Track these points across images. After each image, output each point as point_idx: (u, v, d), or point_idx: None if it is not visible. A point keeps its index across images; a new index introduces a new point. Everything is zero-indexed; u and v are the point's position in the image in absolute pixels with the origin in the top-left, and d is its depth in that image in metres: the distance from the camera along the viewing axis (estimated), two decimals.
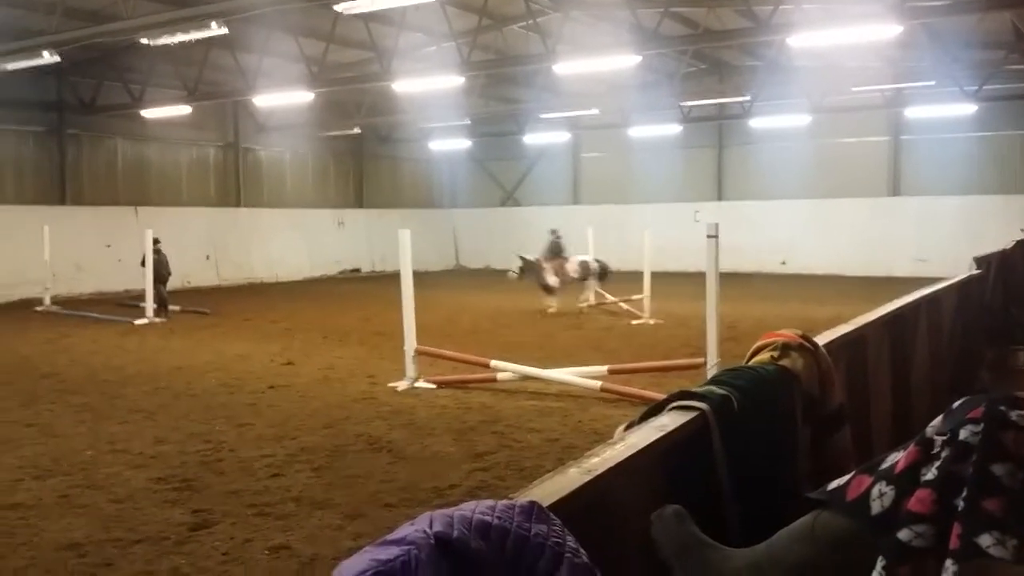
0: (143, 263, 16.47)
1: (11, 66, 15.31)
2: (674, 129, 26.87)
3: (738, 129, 27.52)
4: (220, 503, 5.68)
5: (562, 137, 29.25)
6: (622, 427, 2.25)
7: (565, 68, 16.90)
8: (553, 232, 17.86)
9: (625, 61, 16.29)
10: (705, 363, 7.79)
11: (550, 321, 15.61)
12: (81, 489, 6.02)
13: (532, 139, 29.48)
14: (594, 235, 18.34)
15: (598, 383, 8.70)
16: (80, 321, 16.47)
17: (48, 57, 14.69)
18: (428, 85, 18.50)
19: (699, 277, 8.11)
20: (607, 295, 17.13)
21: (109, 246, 21.68)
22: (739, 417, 2.27)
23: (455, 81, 18.16)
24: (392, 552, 1.20)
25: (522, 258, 17.28)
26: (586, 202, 30.97)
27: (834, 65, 20.69)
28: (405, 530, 1.25)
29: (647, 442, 1.95)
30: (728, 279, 13.06)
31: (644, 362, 10.03)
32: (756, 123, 25.56)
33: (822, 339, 3.03)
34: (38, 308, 18.36)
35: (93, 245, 21.61)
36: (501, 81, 24.21)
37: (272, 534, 5.10)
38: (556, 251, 17.35)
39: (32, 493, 5.94)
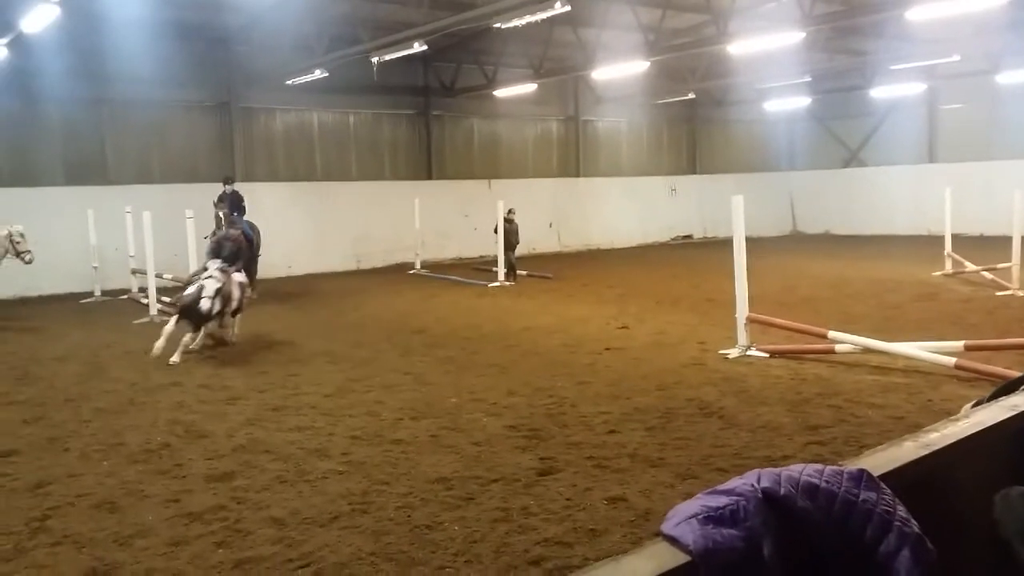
0: (496, 231, 18.03)
1: (389, 56, 17.37)
2: None
3: None
4: (563, 453, 6.18)
5: (916, 89, 26.30)
6: (969, 404, 2.17)
7: (920, 13, 15.24)
8: None
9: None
10: None
11: (898, 292, 14.43)
12: (448, 431, 6.88)
13: (880, 93, 26.80)
14: (952, 197, 16.55)
15: (952, 359, 7.94)
16: (443, 283, 18.48)
17: (418, 47, 16.44)
18: (767, 44, 17.77)
19: None
20: (967, 263, 15.41)
21: (467, 216, 23.88)
22: None
23: (795, 37, 17.26)
24: (722, 501, 1.31)
25: None
26: (944, 160, 27.84)
27: None
28: (735, 482, 1.36)
29: (994, 421, 1.88)
30: None
31: (1009, 338, 8.97)
32: None
33: None
34: (410, 271, 20.94)
35: (453, 215, 23.95)
36: (846, 33, 22.47)
37: (610, 486, 5.45)
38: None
39: (410, 431, 6.90)
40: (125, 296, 16.46)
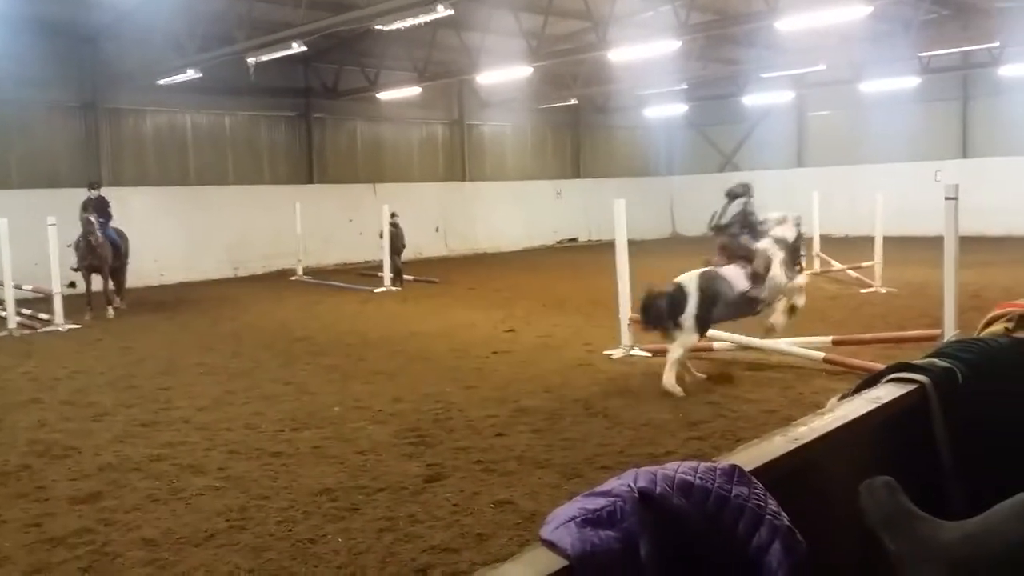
0: (381, 236, 17.80)
1: (265, 57, 16.91)
2: (911, 82, 24.61)
3: (986, 79, 24.77)
4: (450, 458, 6.13)
5: (785, 97, 27.75)
6: (835, 398, 2.24)
7: (788, 24, 16.03)
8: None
9: (855, 12, 15.19)
10: (942, 335, 7.27)
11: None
12: (331, 441, 6.71)
13: (753, 100, 28.19)
14: (820, 199, 17.43)
15: (820, 354, 8.36)
16: (327, 289, 18.11)
17: (296, 47, 16.07)
18: (645, 52, 18.28)
19: (940, 242, 7.55)
20: (834, 262, 16.25)
21: (351, 220, 23.51)
22: (964, 391, 2.18)
23: (672, 45, 17.82)
24: (599, 502, 1.31)
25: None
26: (812, 164, 29.37)
27: None
28: (612, 483, 1.35)
29: (858, 414, 1.94)
30: (974, 243, 12.05)
31: (873, 333, 9.50)
32: (1007, 71, 22.81)
33: None
34: (292, 277, 20.41)
35: (337, 220, 23.53)
36: (720, 42, 23.40)
37: (497, 489, 5.44)
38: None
39: (291, 443, 6.69)
40: None
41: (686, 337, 7.86)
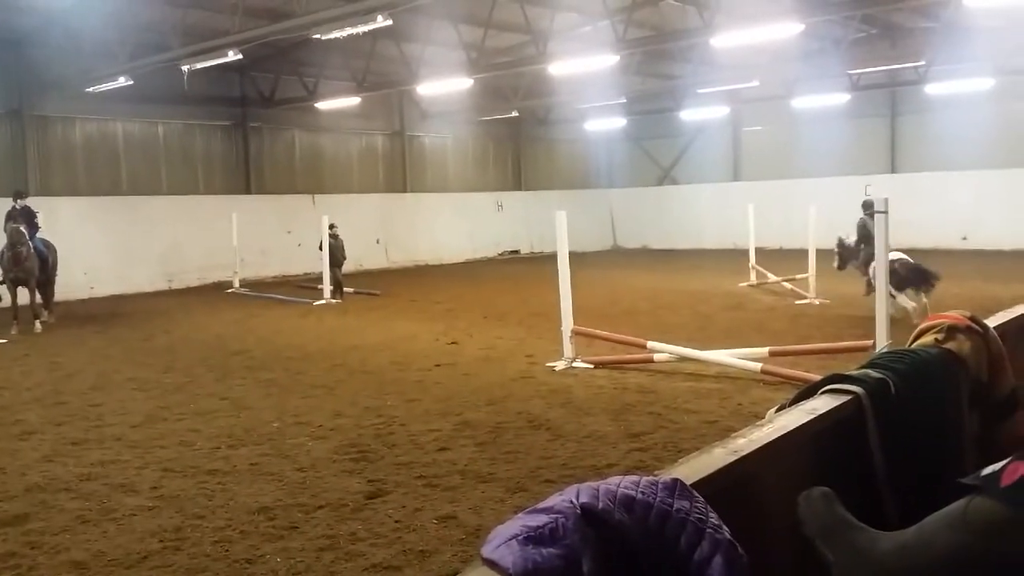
0: (321, 247, 17.58)
1: (200, 65, 16.60)
2: (842, 98, 25.45)
3: (913, 96, 25.73)
4: (392, 474, 6.05)
5: (721, 112, 28.36)
6: (773, 409, 2.27)
7: (723, 40, 16.40)
8: (867, 207, 12.55)
9: (788, 30, 15.62)
10: (874, 345, 7.48)
11: (709, 303, 15.33)
12: (269, 458, 6.57)
13: (689, 115, 28.78)
14: (755, 212, 17.81)
15: (758, 365, 8.50)
16: (265, 302, 17.80)
17: (232, 56, 15.82)
18: (583, 65, 18.49)
19: None
20: (769, 274, 16.59)
21: (290, 232, 23.20)
22: (897, 401, 2.24)
23: (610, 60, 18.06)
24: (541, 519, 1.31)
25: (840, 242, 13.57)
26: (747, 178, 30.04)
27: (1019, 23, 18.93)
28: (554, 500, 1.35)
29: (796, 425, 1.98)
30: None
31: (808, 344, 9.72)
32: (932, 89, 23.73)
33: (994, 321, 2.89)
34: (228, 290, 20.01)
35: (275, 231, 23.18)
36: (657, 57, 23.82)
37: (440, 504, 5.39)
38: (868, 236, 11.90)
39: (227, 460, 6.53)
40: None
41: None
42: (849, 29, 21.07)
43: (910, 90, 25.24)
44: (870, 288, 11.43)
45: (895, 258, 10.93)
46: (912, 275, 11.77)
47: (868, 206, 12.37)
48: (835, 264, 13.64)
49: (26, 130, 19.41)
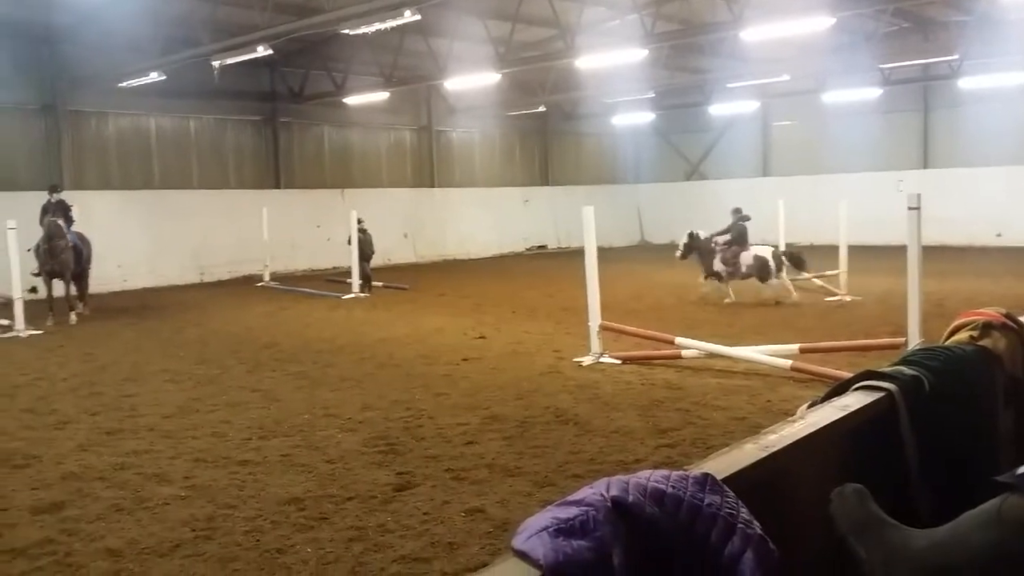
0: (349, 242, 17.69)
1: (231, 60, 16.75)
2: (873, 93, 25.11)
3: (945, 90, 25.33)
4: (421, 467, 6.09)
5: (750, 106, 28.13)
6: (805, 405, 2.26)
7: (753, 34, 16.26)
8: (737, 212, 15.11)
9: (818, 23, 15.43)
10: (906, 343, 7.39)
11: (737, 298, 15.20)
12: (300, 449, 6.64)
13: (718, 110, 28.53)
14: (785, 208, 17.63)
15: (788, 362, 8.42)
16: (295, 296, 17.94)
17: (261, 51, 15.94)
18: (612, 60, 18.41)
19: (902, 251, 7.67)
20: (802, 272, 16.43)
21: (319, 226, 23.35)
22: (930, 399, 2.22)
23: (639, 54, 17.96)
24: (572, 512, 1.31)
25: (691, 235, 15.25)
26: (776, 174, 29.74)
27: None
28: (584, 492, 1.35)
29: (827, 421, 1.96)
30: (936, 253, 12.25)
31: (839, 341, 9.63)
32: (966, 83, 23.30)
33: None
34: (259, 284, 20.20)
35: (305, 226, 23.35)
36: (686, 51, 23.65)
37: (468, 498, 5.41)
38: (741, 237, 14.70)
39: (258, 452, 6.60)
40: None
41: None
42: (881, 23, 20.82)
43: (943, 84, 24.85)
44: (710, 274, 14.81)
45: (766, 252, 14.29)
46: (779, 262, 14.33)
47: (738, 211, 15.13)
48: (677, 254, 15.64)
49: (60, 125, 19.72)
